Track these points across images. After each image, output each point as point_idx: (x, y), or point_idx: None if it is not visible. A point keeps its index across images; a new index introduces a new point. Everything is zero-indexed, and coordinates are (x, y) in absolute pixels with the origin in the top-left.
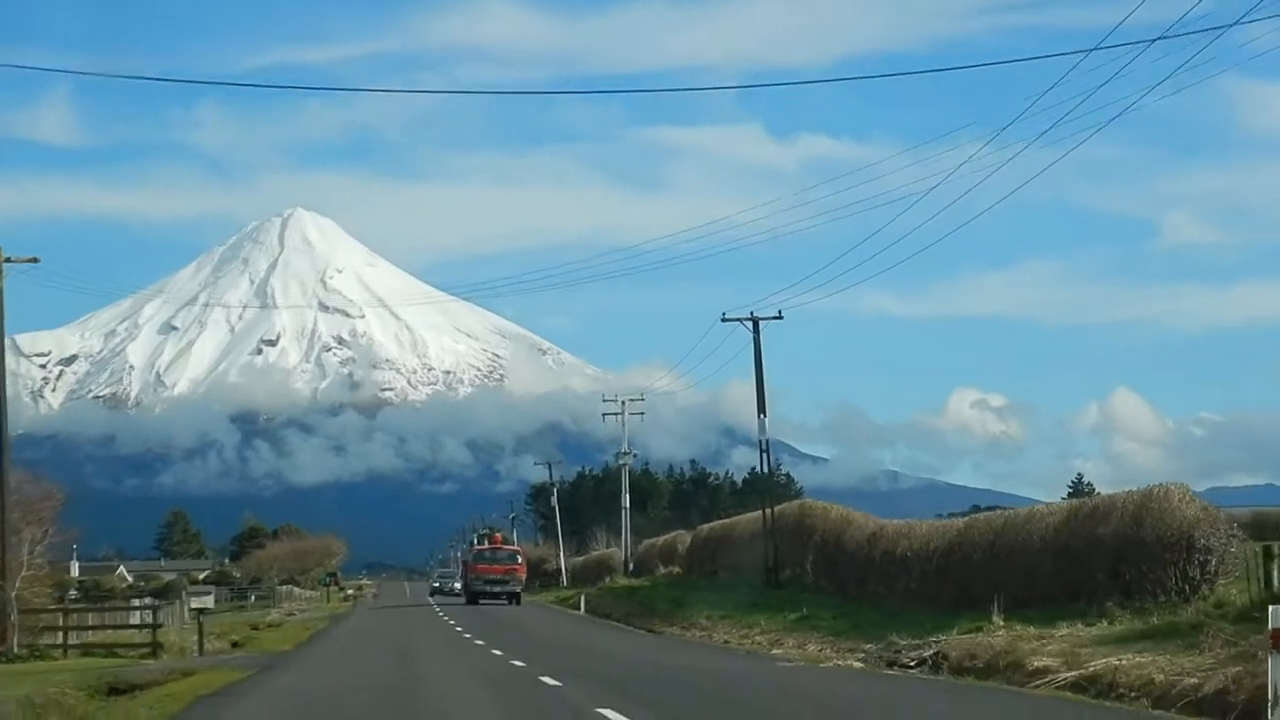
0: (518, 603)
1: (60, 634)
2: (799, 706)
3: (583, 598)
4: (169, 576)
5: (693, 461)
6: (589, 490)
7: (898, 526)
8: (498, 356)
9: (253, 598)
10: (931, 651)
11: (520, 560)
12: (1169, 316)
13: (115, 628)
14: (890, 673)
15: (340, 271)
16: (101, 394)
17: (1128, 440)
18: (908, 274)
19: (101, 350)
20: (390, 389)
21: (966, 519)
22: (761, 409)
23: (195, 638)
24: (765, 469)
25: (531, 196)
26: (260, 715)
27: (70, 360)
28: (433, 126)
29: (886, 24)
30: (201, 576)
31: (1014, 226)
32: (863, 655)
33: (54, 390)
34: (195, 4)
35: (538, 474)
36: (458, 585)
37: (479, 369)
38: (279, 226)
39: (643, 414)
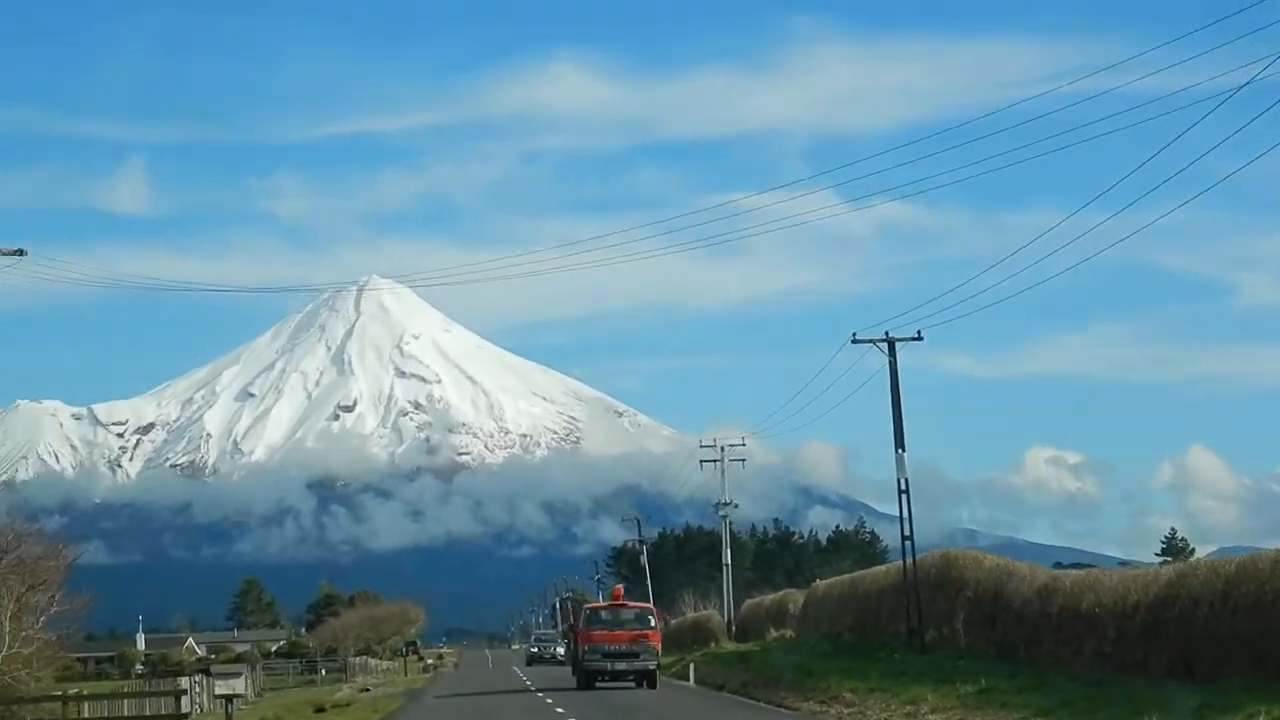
0: (652, 685)
1: None
2: None
3: (691, 666)
4: (241, 648)
5: (776, 520)
6: (671, 551)
7: (1078, 577)
8: (574, 419)
9: (324, 671)
10: None
11: (654, 623)
12: (1242, 374)
13: None
14: None
15: (416, 338)
16: (179, 462)
17: (1205, 497)
18: (981, 335)
19: (179, 418)
20: (467, 453)
21: (1180, 565)
22: (900, 443)
23: None
24: (905, 511)
25: (604, 262)
26: None
27: (148, 429)
28: (505, 194)
29: (956, 87)
30: (274, 648)
31: (1085, 287)
32: None
33: (131, 459)
34: (266, 74)
35: (616, 536)
36: (560, 651)
37: (555, 432)
38: (355, 294)
39: (744, 460)
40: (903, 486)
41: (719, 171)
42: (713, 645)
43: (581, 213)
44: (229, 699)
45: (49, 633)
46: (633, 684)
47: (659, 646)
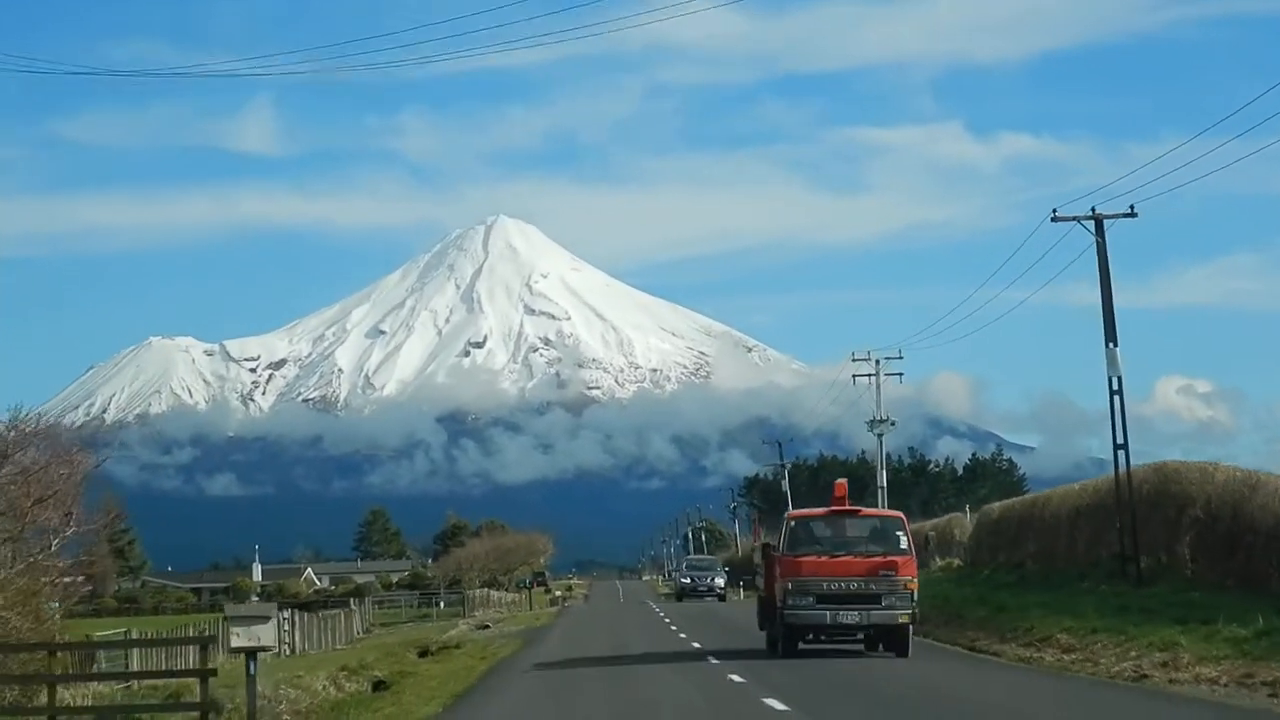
0: (900, 649)
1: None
2: None
3: None
4: (363, 579)
5: (911, 449)
6: (805, 480)
7: None
8: (703, 354)
9: (441, 604)
10: None
11: (905, 545)
12: None
13: (147, 676)
14: None
15: (545, 276)
16: (310, 397)
17: None
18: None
19: (310, 354)
20: (597, 387)
21: None
22: (1111, 337)
23: (318, 681)
24: (1118, 416)
25: (732, 198)
26: None
27: (279, 365)
28: (633, 130)
29: (1084, 16)
30: (396, 579)
31: (1213, 217)
32: None
33: (264, 394)
34: (391, 9)
35: (745, 468)
36: (719, 582)
37: (685, 366)
38: (483, 233)
39: (901, 375)
40: (1115, 386)
41: (846, 105)
42: None
43: (709, 148)
44: (252, 653)
45: (74, 559)
46: (860, 644)
47: (914, 585)
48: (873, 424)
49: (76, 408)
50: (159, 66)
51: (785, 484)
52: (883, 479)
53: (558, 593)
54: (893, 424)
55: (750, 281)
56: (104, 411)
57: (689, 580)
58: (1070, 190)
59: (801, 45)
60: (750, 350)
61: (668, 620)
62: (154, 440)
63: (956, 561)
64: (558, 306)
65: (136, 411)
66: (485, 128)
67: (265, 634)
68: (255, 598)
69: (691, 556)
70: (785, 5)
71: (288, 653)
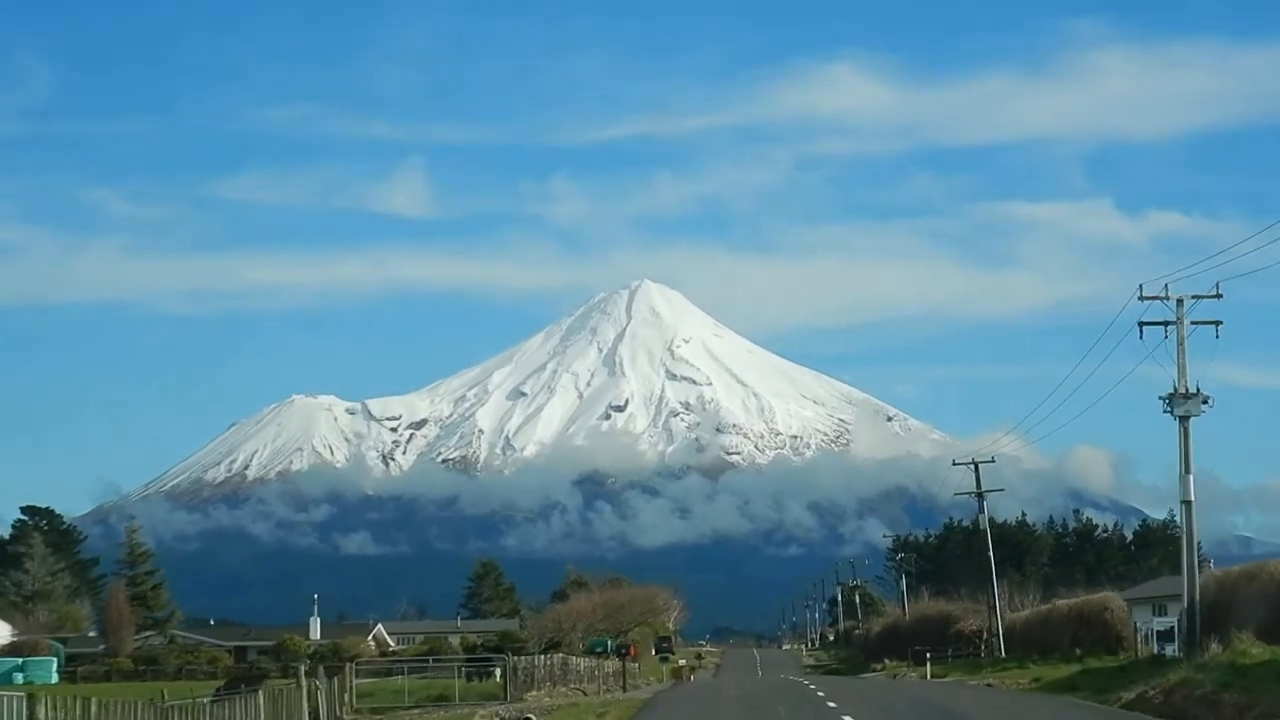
0: None
1: None
2: None
3: None
4: (456, 638)
5: (1076, 511)
6: (958, 544)
7: None
8: (843, 421)
9: (496, 673)
10: None
11: None
12: None
13: None
14: None
15: (687, 341)
16: (451, 457)
17: None
18: (1253, 343)
19: (451, 415)
20: (736, 453)
21: None
22: None
23: None
24: None
25: (879, 269)
26: None
27: (420, 424)
28: (780, 200)
29: (1239, 95)
30: (481, 642)
31: None
32: None
33: (404, 453)
34: (544, 78)
35: (883, 537)
36: None
37: (824, 434)
38: (627, 297)
39: (1219, 325)
40: None
41: (995, 179)
42: (1123, 648)
43: (856, 219)
44: None
45: None
46: None
47: None
48: (1172, 400)
49: (219, 463)
50: (316, 129)
51: (984, 523)
52: (1189, 489)
53: (681, 661)
54: (1206, 400)
55: (895, 353)
56: (245, 468)
57: None
58: (1219, 271)
59: (950, 119)
60: (890, 419)
61: None
62: (292, 497)
63: None
64: (699, 371)
65: (278, 469)
66: (633, 194)
67: None
68: (307, 660)
69: None
70: (933, 79)
71: None
